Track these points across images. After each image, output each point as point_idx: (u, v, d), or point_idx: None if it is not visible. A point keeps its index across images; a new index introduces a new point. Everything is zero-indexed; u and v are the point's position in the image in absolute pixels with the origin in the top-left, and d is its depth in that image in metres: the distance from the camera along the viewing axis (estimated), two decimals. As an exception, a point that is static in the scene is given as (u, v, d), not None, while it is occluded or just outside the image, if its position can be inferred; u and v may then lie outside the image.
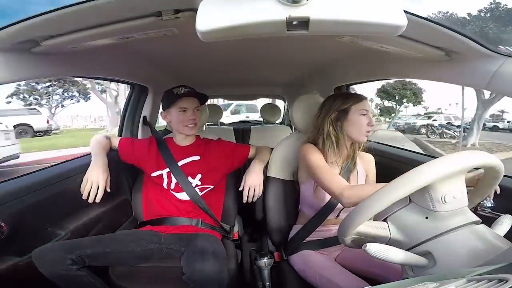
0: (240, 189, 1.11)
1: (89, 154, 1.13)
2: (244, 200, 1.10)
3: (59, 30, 0.65)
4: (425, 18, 0.57)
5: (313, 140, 1.01)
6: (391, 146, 1.43)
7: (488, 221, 0.58)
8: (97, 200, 0.97)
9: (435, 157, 0.57)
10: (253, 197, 1.09)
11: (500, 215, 0.58)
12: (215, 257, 0.86)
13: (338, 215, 1.00)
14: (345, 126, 0.94)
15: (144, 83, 1.45)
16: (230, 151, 1.23)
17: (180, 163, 1.15)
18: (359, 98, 0.94)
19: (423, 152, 1.29)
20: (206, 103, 1.38)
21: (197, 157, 1.18)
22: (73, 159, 1.22)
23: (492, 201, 0.77)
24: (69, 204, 1.02)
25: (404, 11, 0.46)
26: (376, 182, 1.07)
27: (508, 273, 0.34)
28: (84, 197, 0.96)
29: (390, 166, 1.22)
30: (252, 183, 1.09)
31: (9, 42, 0.63)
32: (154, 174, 1.15)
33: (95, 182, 0.98)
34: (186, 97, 1.12)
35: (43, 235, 0.90)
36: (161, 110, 1.23)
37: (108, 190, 1.01)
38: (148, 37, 0.73)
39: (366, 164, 1.05)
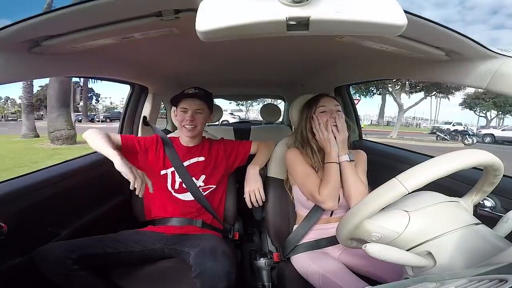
0: (244, 196, 1.11)
1: (90, 154, 1.13)
2: (249, 205, 1.10)
3: (59, 30, 0.65)
4: (425, 18, 0.57)
5: (295, 143, 1.08)
6: (387, 145, 1.43)
7: (488, 221, 0.58)
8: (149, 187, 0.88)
9: (430, 156, 0.57)
10: (257, 201, 1.09)
11: (500, 215, 0.58)
12: (225, 256, 0.85)
13: (332, 214, 1.00)
14: (315, 128, 1.01)
15: (144, 83, 1.46)
16: (232, 149, 1.23)
17: (185, 164, 1.15)
18: (318, 98, 1.03)
19: (419, 152, 1.30)
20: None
21: (202, 158, 1.18)
22: (73, 159, 1.22)
23: (493, 201, 0.77)
24: (69, 204, 1.02)
25: (404, 11, 0.45)
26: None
27: (508, 273, 0.34)
28: (138, 189, 0.84)
29: (386, 165, 1.22)
30: (251, 189, 1.09)
31: (9, 42, 0.63)
32: (160, 173, 1.14)
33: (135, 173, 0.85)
34: (188, 98, 1.12)
35: (43, 235, 0.90)
36: (173, 108, 1.19)
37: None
38: (148, 37, 0.73)
39: (357, 160, 1.04)
